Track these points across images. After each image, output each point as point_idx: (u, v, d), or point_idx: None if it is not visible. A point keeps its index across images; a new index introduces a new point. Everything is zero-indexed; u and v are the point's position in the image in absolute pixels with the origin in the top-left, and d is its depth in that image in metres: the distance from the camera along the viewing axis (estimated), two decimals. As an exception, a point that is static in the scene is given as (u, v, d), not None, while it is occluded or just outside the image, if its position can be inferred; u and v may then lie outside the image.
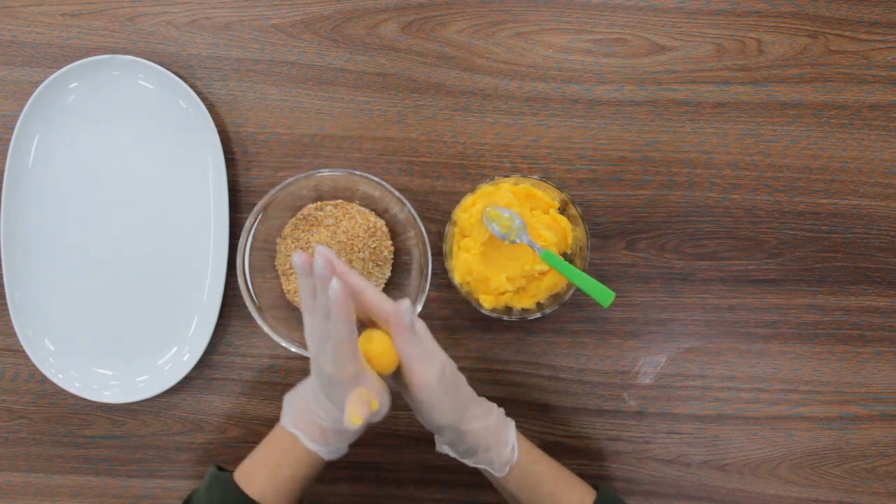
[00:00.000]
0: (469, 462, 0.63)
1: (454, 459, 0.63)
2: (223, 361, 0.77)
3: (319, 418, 0.60)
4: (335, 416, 0.58)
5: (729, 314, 0.77)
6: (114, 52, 0.75)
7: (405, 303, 0.54)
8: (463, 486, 0.77)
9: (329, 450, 0.61)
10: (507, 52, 0.76)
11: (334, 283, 0.50)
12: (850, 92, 0.76)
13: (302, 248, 0.73)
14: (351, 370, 0.53)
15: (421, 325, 0.57)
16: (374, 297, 0.56)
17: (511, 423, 0.63)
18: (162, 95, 0.74)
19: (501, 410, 0.64)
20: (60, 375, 0.75)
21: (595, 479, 0.70)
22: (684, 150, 0.76)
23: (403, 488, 0.77)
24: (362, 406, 0.52)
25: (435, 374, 0.56)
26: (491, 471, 0.63)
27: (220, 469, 0.65)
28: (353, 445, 0.77)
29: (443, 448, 0.63)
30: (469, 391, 0.61)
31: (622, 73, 0.76)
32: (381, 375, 0.57)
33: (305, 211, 0.74)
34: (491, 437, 0.61)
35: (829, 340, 0.77)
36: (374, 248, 0.74)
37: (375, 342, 0.56)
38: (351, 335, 0.53)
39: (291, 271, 0.74)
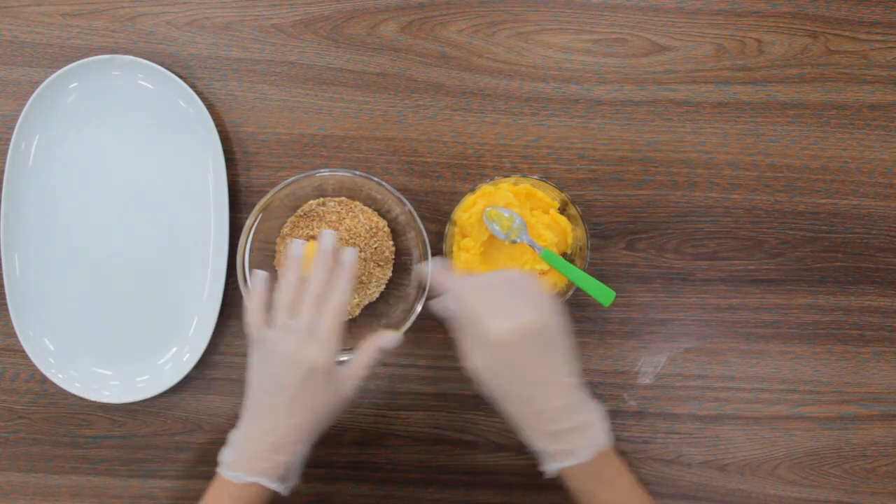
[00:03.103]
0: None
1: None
2: (223, 361, 0.77)
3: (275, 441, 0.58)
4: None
5: (729, 314, 0.76)
6: (114, 52, 0.75)
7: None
8: (462, 486, 0.76)
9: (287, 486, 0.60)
10: (507, 52, 0.76)
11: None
12: (850, 92, 0.76)
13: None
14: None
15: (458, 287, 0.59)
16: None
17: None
18: (162, 95, 0.74)
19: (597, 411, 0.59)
20: (60, 375, 0.75)
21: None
22: (684, 150, 0.76)
23: (403, 488, 0.77)
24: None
25: (470, 358, 0.58)
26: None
27: None
28: (352, 445, 0.77)
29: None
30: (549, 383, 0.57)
31: (622, 73, 0.76)
32: None
33: (305, 207, 0.74)
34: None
35: (829, 340, 0.77)
36: (376, 248, 0.74)
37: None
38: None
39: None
